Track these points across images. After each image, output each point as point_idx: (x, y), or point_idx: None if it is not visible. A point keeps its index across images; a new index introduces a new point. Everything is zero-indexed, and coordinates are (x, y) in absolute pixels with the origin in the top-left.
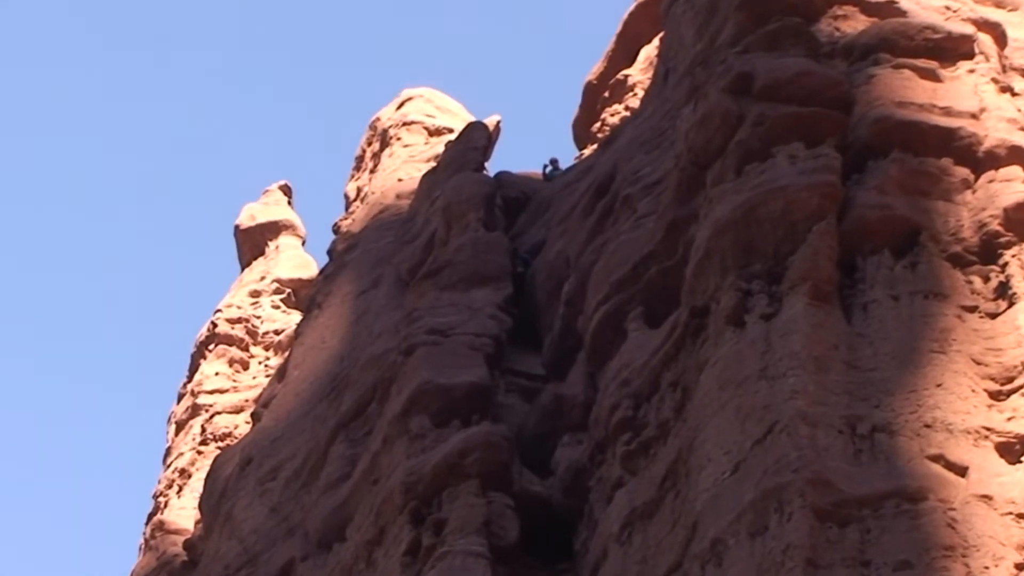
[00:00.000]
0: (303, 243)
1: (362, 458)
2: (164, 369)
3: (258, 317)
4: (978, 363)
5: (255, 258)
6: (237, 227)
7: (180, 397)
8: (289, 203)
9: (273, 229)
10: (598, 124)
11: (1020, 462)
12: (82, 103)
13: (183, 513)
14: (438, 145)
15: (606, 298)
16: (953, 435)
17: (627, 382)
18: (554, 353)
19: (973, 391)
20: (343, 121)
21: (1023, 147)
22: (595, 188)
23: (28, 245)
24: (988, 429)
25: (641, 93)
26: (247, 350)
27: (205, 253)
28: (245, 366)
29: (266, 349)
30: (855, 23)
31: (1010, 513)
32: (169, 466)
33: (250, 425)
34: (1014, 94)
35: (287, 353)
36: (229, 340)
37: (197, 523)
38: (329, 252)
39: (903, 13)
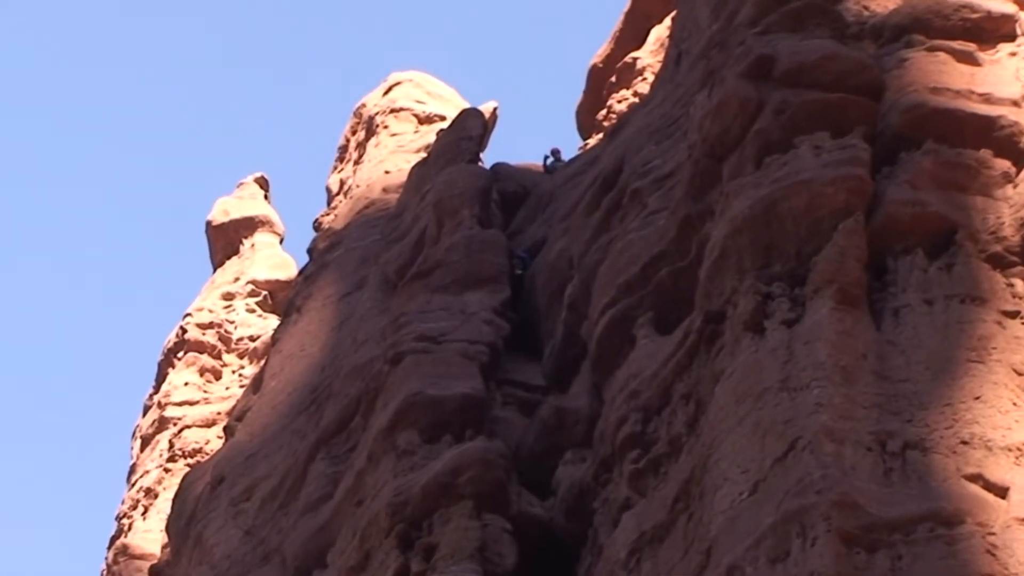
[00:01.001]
0: (281, 241)
1: (345, 477)
2: (128, 379)
3: (231, 322)
4: (1020, 374)
5: (228, 257)
6: (209, 223)
7: (146, 409)
8: (266, 197)
9: (248, 225)
10: (604, 111)
11: None
12: (40, 91)
13: (148, 536)
14: (429, 134)
15: (613, 302)
16: (993, 453)
17: (635, 394)
18: (555, 362)
19: (1015, 404)
20: (325, 107)
21: None
22: (601, 181)
23: None
24: None
25: (651, 77)
26: (219, 358)
27: (173, 252)
28: (217, 376)
29: (240, 357)
30: (885, 1)
31: None
32: (133, 485)
33: (222, 440)
34: None
35: (263, 362)
36: (200, 347)
37: (164, 547)
38: (309, 251)
39: None
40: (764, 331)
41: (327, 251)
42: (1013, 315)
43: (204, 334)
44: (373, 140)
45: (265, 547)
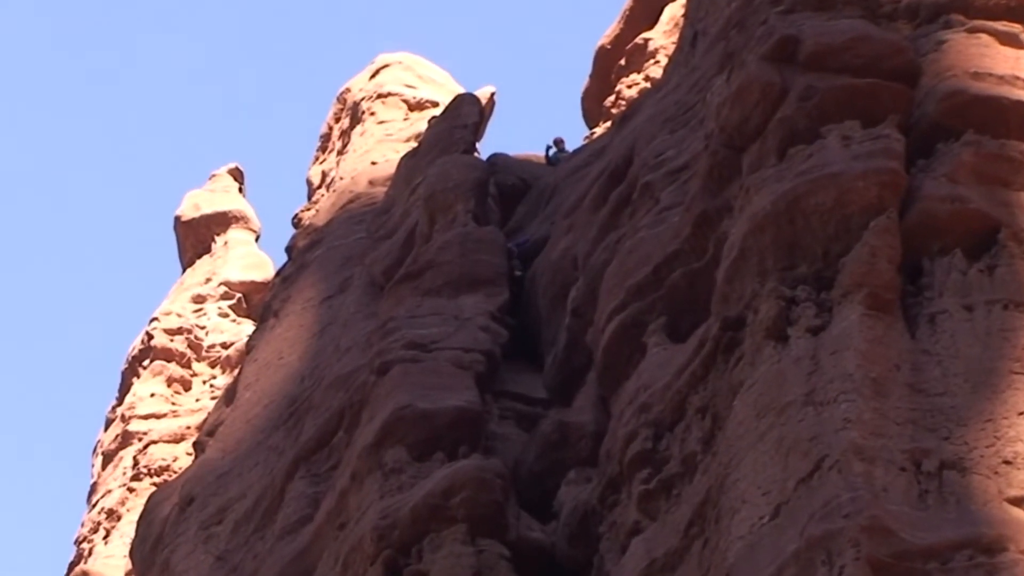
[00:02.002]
0: (257, 239)
1: (326, 497)
2: (89, 389)
3: (202, 327)
4: None
5: (199, 256)
6: (178, 219)
7: (108, 423)
8: (240, 190)
9: (221, 221)
10: (612, 97)
11: None
12: None
13: (110, 562)
14: (420, 122)
15: (621, 306)
16: None
17: (646, 408)
18: (558, 373)
19: None
20: (305, 92)
21: None
22: (608, 174)
23: None
24: None
25: (664, 60)
26: (189, 367)
27: (138, 250)
28: (186, 386)
29: (211, 366)
30: None
31: None
32: (94, 506)
33: (192, 457)
34: None
35: (237, 371)
36: (167, 355)
37: (128, 574)
38: (288, 249)
39: None
40: (787, 339)
41: (307, 250)
42: None
43: (172, 340)
44: (358, 128)
45: (239, 574)
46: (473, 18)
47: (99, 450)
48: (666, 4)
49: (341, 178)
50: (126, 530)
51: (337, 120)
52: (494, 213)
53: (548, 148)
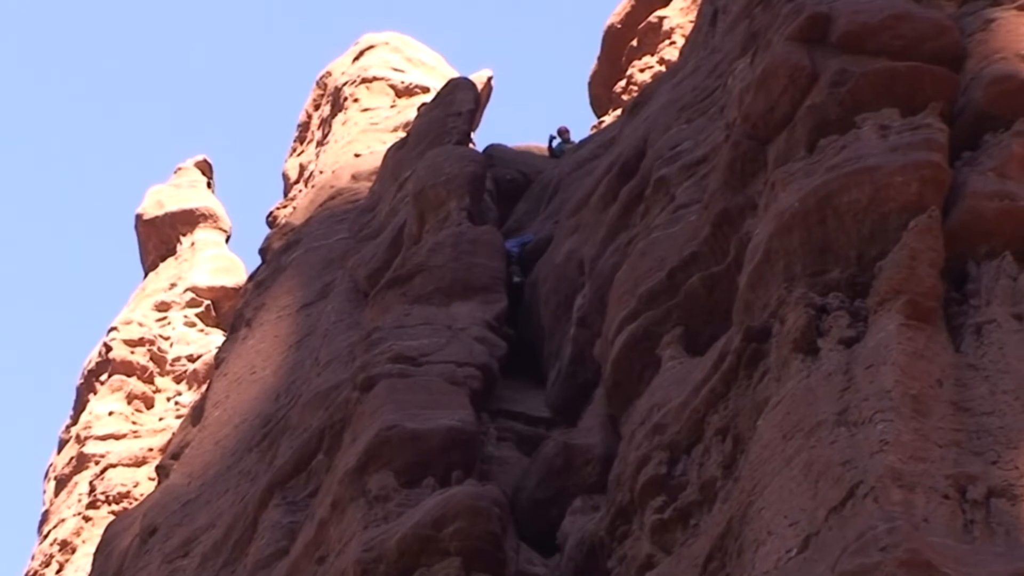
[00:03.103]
0: (227, 239)
1: (304, 527)
2: (40, 407)
3: (166, 338)
4: None
5: (163, 259)
6: (139, 217)
7: (62, 444)
8: (209, 185)
9: (187, 220)
10: (623, 82)
11: None
12: None
13: None
14: (409, 109)
15: (632, 315)
16: None
17: (660, 428)
18: (562, 389)
19: None
20: (281, 76)
21: None
22: (619, 168)
23: None
24: None
25: (681, 41)
26: (151, 382)
27: (96, 252)
28: (148, 404)
29: (176, 381)
30: None
31: None
32: (46, 536)
33: (155, 482)
34: None
35: (205, 387)
36: (127, 369)
37: None
38: (262, 251)
39: None
40: (817, 352)
41: (283, 252)
42: None
43: (132, 353)
44: (340, 116)
45: None
46: None
47: (51, 474)
48: None
49: (321, 172)
50: (81, 563)
51: (316, 107)
52: (491, 211)
53: (551, 139)
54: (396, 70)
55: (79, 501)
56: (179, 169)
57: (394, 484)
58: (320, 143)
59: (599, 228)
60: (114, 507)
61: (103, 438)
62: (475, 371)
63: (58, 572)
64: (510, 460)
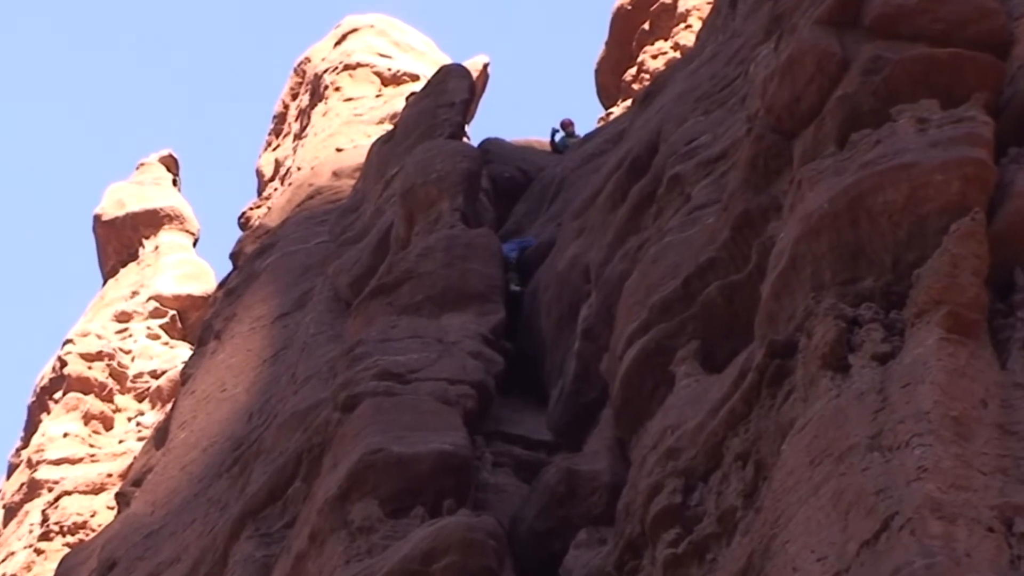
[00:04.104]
0: (195, 242)
1: (279, 562)
2: None
3: (127, 352)
4: None
5: (124, 264)
6: (97, 218)
7: (11, 469)
8: (175, 183)
9: (151, 221)
10: (633, 69)
11: None
12: None
13: None
14: (396, 99)
15: (644, 328)
16: None
17: (674, 453)
18: (566, 410)
19: None
20: (255, 63)
21: None
22: (628, 165)
23: None
24: None
25: (697, 24)
26: (110, 400)
27: (50, 256)
28: (107, 424)
29: (138, 399)
30: None
31: None
32: None
33: (114, 512)
34: None
35: (170, 406)
36: (84, 386)
37: None
38: (233, 256)
39: None
40: (849, 369)
41: (257, 257)
42: None
43: (90, 368)
44: (320, 107)
45: None
46: None
47: (0, 502)
48: None
49: (299, 168)
50: None
51: (294, 97)
52: (487, 212)
53: (554, 132)
54: (382, 56)
55: (30, 532)
56: (142, 165)
57: (379, 514)
58: (298, 136)
59: (606, 231)
60: (69, 539)
61: (57, 462)
62: (469, 389)
63: None
64: (507, 488)
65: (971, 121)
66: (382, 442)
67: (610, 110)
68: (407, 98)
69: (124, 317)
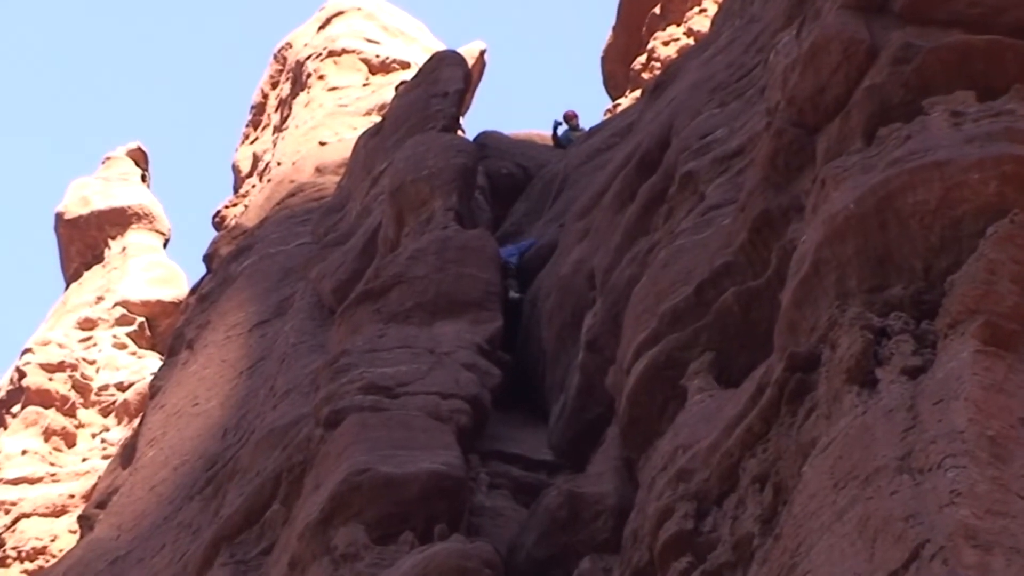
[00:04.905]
0: (165, 243)
1: None
2: None
3: (91, 362)
4: None
5: (88, 267)
6: (60, 216)
7: None
8: (143, 179)
9: (117, 220)
10: (643, 57)
11: None
12: None
13: None
14: (385, 88)
15: (653, 338)
16: None
17: (686, 475)
18: (568, 427)
19: None
20: (232, 49)
21: None
22: (637, 161)
23: None
24: None
25: (712, 9)
26: (73, 415)
27: (8, 257)
28: (70, 441)
29: (103, 414)
30: None
31: None
32: None
33: (76, 536)
34: None
35: (137, 421)
36: (44, 399)
37: None
38: (207, 258)
39: None
40: (876, 384)
41: (233, 259)
42: None
43: (51, 379)
44: (302, 97)
45: None
46: None
47: None
48: None
49: (279, 163)
50: None
51: (274, 86)
52: (483, 212)
53: (556, 125)
54: (369, 41)
55: None
56: (108, 159)
57: (365, 540)
58: (278, 128)
59: (613, 233)
60: (27, 565)
61: (15, 482)
62: (463, 404)
63: None
64: (505, 512)
65: (1010, 115)
66: (368, 462)
67: (618, 101)
68: (397, 87)
69: (88, 324)
